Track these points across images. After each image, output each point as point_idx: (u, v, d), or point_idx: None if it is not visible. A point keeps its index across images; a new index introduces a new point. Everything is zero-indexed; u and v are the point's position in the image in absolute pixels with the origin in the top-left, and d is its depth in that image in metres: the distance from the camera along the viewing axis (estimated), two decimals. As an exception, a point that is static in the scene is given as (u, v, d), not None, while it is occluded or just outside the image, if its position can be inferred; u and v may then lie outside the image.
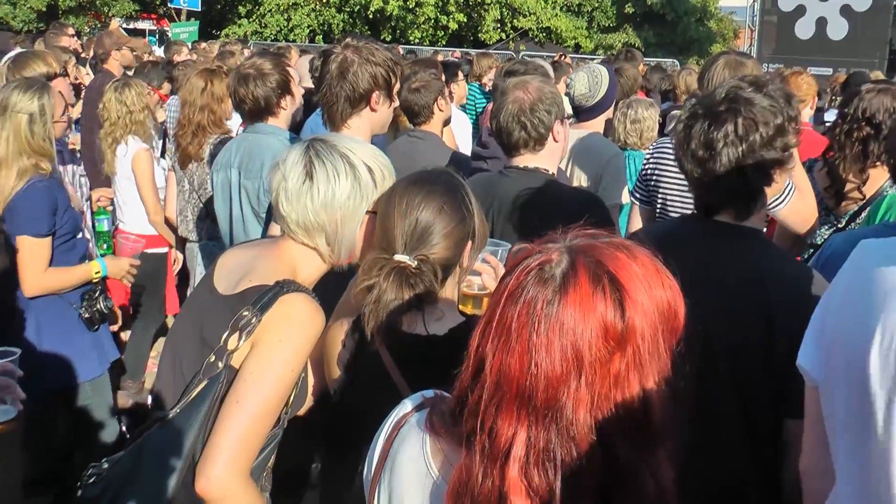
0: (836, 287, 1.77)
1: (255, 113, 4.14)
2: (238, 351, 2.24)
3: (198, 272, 5.55)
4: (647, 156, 4.35)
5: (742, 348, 2.32)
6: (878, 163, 3.79)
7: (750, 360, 2.31)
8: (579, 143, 4.57)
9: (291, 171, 2.36)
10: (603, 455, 1.27)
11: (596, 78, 4.82)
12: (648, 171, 4.22)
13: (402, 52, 14.64)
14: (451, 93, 6.32)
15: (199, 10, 29.02)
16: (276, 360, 2.22)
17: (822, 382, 1.75)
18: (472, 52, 18.94)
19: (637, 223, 4.28)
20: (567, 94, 4.87)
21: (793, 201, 3.45)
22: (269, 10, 35.75)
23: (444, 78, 5.85)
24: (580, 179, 4.51)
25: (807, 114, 5.71)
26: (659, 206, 4.15)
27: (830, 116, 7.27)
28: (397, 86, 3.54)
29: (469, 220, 2.27)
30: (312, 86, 5.76)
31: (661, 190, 4.14)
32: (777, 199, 3.39)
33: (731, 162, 2.39)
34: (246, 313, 2.24)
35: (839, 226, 4.03)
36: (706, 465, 2.28)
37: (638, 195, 4.30)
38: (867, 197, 3.88)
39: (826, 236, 3.85)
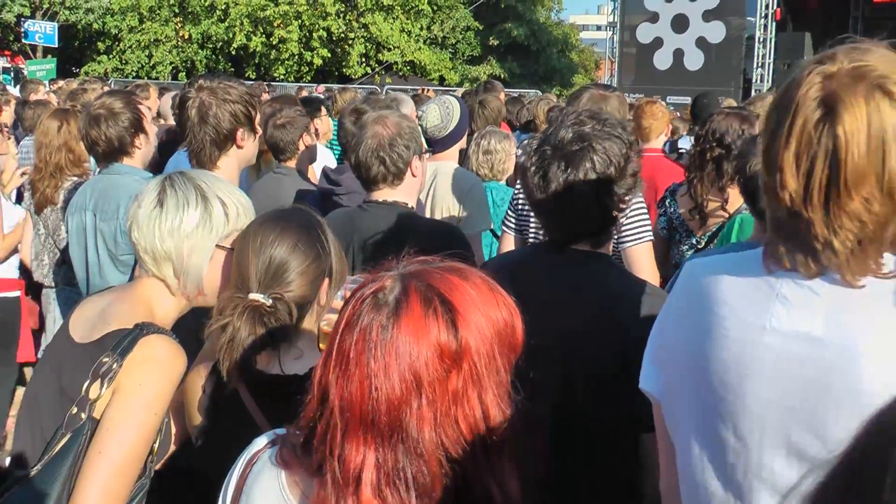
0: (669, 307, 1.87)
1: (109, 154, 4.08)
2: (100, 399, 2.16)
3: (55, 319, 5.38)
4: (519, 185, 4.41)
5: (600, 368, 2.40)
6: (732, 182, 4.01)
7: (608, 379, 2.39)
8: (439, 174, 4.64)
9: (145, 198, 2.37)
10: (451, 469, 1.33)
11: (447, 109, 4.86)
12: (521, 201, 4.28)
13: (266, 90, 14.53)
14: (315, 129, 6.34)
15: (56, 46, 28.27)
16: (137, 405, 2.16)
17: (664, 401, 1.84)
18: (335, 87, 18.98)
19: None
20: (420, 125, 4.91)
21: (643, 250, 3.64)
22: (130, 47, 35.17)
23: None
24: (441, 210, 4.57)
25: (661, 141, 5.95)
26: (531, 234, 4.22)
27: (685, 143, 7.57)
28: (258, 117, 3.57)
29: (325, 258, 2.31)
30: (174, 123, 5.70)
31: (532, 219, 4.21)
32: (630, 236, 3.57)
33: (591, 199, 2.49)
34: (106, 359, 2.17)
35: (699, 246, 4.23)
36: (571, 481, 2.35)
37: (508, 224, 4.37)
38: (730, 215, 4.08)
39: (688, 257, 4.03)
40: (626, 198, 2.56)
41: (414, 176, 3.49)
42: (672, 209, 4.49)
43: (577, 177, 2.47)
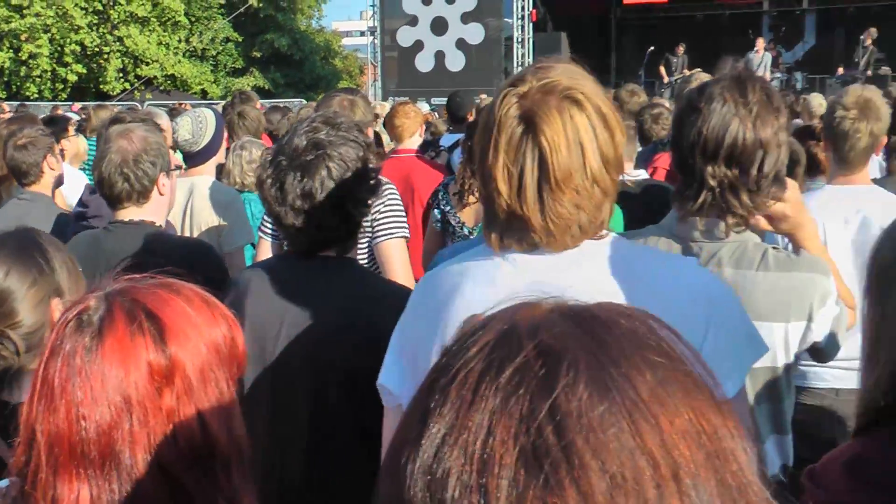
0: (411, 303, 1.97)
1: None
2: None
3: None
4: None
5: (353, 373, 2.40)
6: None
7: (362, 383, 2.40)
8: (195, 190, 4.54)
9: None
10: (173, 490, 1.28)
11: (200, 123, 4.75)
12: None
13: (7, 108, 13.76)
14: (62, 150, 6.08)
15: None
16: None
17: (406, 396, 1.90)
18: (91, 104, 18.23)
19: (264, 257, 4.32)
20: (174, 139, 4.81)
21: (394, 245, 3.72)
22: None
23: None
24: (200, 227, 4.48)
25: (415, 141, 6.08)
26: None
27: (446, 141, 7.78)
28: None
29: (50, 277, 2.19)
30: None
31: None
32: (382, 233, 3.64)
33: (332, 206, 2.49)
34: None
35: (472, 238, 4.36)
36: (329, 487, 2.37)
37: (265, 230, 4.33)
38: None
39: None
40: (369, 200, 2.60)
41: (161, 194, 3.37)
42: (444, 203, 4.59)
43: (314, 185, 2.47)
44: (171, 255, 3.08)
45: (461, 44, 22.98)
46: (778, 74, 21.18)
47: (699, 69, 18.04)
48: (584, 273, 1.74)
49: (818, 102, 9.86)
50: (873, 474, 1.54)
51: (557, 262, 1.75)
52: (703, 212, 2.34)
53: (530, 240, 1.73)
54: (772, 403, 2.43)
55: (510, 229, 1.75)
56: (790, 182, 2.45)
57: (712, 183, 2.29)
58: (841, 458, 1.59)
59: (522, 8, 22.65)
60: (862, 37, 19.95)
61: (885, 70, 19.35)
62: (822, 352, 2.45)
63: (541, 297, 0.80)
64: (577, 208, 1.70)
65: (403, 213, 3.85)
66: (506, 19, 23.35)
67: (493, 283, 1.76)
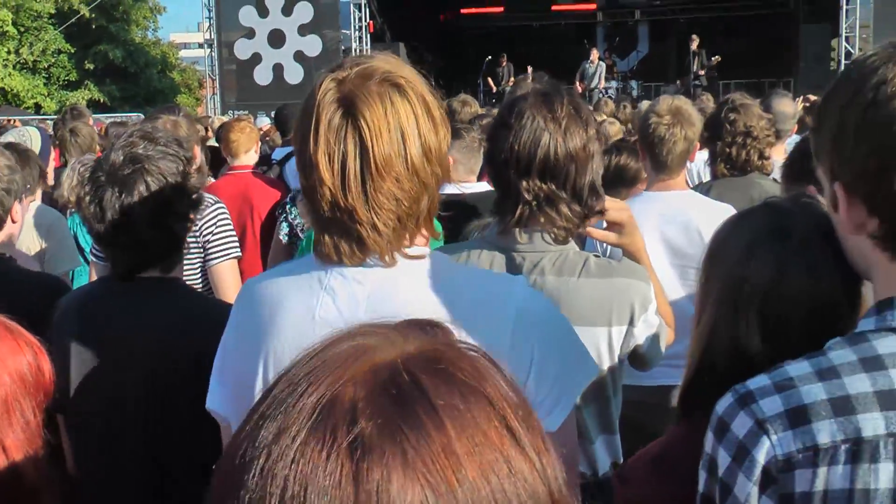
0: (230, 324, 1.91)
1: None
2: None
3: None
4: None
5: (180, 397, 2.37)
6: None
7: (190, 406, 2.36)
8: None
9: None
10: None
11: (24, 141, 4.63)
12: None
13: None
14: None
15: None
16: None
17: (233, 419, 1.87)
18: None
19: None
20: None
21: (227, 268, 3.71)
22: None
23: None
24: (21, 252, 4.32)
25: (251, 157, 6.02)
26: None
27: (278, 154, 7.75)
28: None
29: None
30: None
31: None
32: (215, 255, 3.60)
33: (152, 221, 2.45)
34: None
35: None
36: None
37: (97, 254, 4.22)
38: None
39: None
40: (190, 215, 2.57)
41: (14, 221, 3.19)
42: (293, 216, 4.58)
43: (133, 201, 2.43)
44: (18, 290, 2.89)
45: (299, 56, 22.83)
46: (613, 83, 21.91)
47: (523, 76, 18.64)
48: (404, 297, 1.70)
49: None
50: (676, 467, 1.62)
51: (381, 283, 1.71)
52: (521, 224, 2.40)
53: (356, 233, 1.66)
54: (599, 404, 2.52)
55: (335, 224, 1.68)
56: (617, 201, 2.57)
57: (528, 197, 2.36)
58: (648, 454, 1.67)
59: (360, 19, 22.67)
60: (690, 46, 20.89)
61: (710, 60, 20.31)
62: (644, 358, 2.55)
63: (363, 343, 0.82)
64: (395, 200, 1.65)
65: (234, 233, 3.83)
66: (343, 31, 23.31)
67: (315, 302, 1.73)
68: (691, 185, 5.29)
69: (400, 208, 1.66)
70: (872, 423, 1.30)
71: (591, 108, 12.49)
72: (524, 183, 2.35)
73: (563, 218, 2.37)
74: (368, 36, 22.87)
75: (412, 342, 0.82)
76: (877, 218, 1.40)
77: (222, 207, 3.90)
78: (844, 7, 19.77)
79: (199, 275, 3.76)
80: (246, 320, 1.85)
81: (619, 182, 4.36)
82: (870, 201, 1.39)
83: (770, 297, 1.64)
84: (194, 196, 2.57)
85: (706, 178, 5.67)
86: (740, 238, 1.73)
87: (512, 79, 20.44)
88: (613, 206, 2.54)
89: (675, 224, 3.83)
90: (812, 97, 11.61)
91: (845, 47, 19.89)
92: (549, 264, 2.42)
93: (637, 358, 2.53)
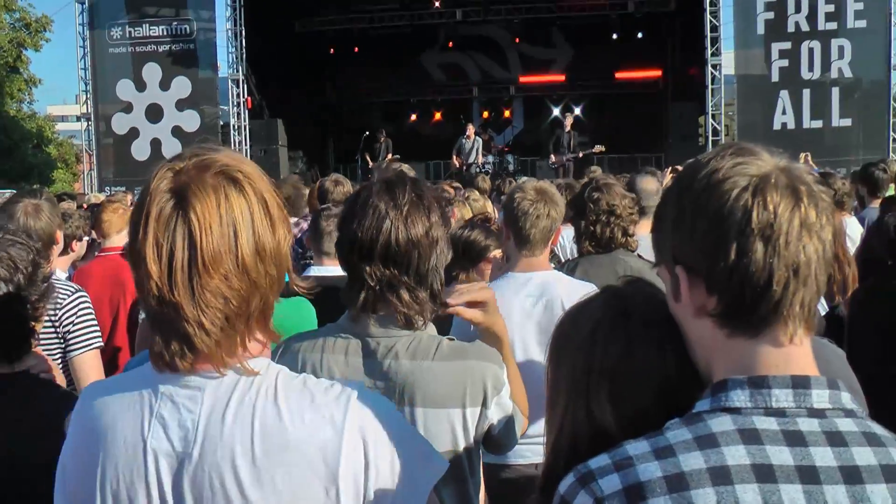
0: (66, 447, 1.81)
1: None
2: None
3: None
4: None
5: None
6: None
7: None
8: None
9: None
10: None
11: None
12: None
13: None
14: None
15: None
16: None
17: None
18: None
19: None
20: None
21: (89, 359, 3.66)
22: None
23: None
24: None
25: (122, 237, 5.88)
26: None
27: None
28: None
29: None
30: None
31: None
32: (76, 345, 3.54)
33: (1, 309, 2.42)
34: None
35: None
36: None
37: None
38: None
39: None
40: (39, 305, 2.54)
41: None
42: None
43: None
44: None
45: (177, 131, 22.62)
46: (490, 157, 22.25)
47: (398, 156, 18.92)
48: (229, 430, 1.64)
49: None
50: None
51: (211, 412, 1.65)
52: (367, 309, 2.46)
53: (182, 330, 1.58)
54: (457, 484, 2.54)
55: (164, 321, 1.60)
56: (480, 283, 2.63)
57: (371, 282, 2.42)
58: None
59: (238, 95, 22.62)
60: (564, 123, 21.45)
61: (593, 149, 20.87)
62: (498, 441, 2.60)
63: None
64: (223, 298, 1.59)
65: (96, 323, 3.77)
66: (222, 106, 23.25)
67: (146, 428, 1.66)
68: (562, 260, 5.43)
69: (228, 307, 1.60)
70: (704, 499, 1.35)
71: (461, 186, 12.67)
72: (367, 268, 2.41)
73: (404, 303, 2.42)
74: (247, 112, 22.81)
75: None
76: (715, 295, 1.47)
77: (84, 296, 3.83)
78: (710, 87, 20.61)
79: (61, 366, 3.67)
80: (81, 445, 1.76)
81: (464, 257, 4.43)
82: (709, 279, 1.46)
83: (619, 375, 1.67)
84: (44, 285, 2.53)
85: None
86: (583, 326, 1.76)
87: (389, 155, 20.63)
88: (475, 286, 2.62)
89: (540, 303, 3.92)
90: (680, 168, 12.03)
91: (712, 124, 20.70)
92: (403, 348, 2.46)
93: (491, 440, 2.58)
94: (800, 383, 1.45)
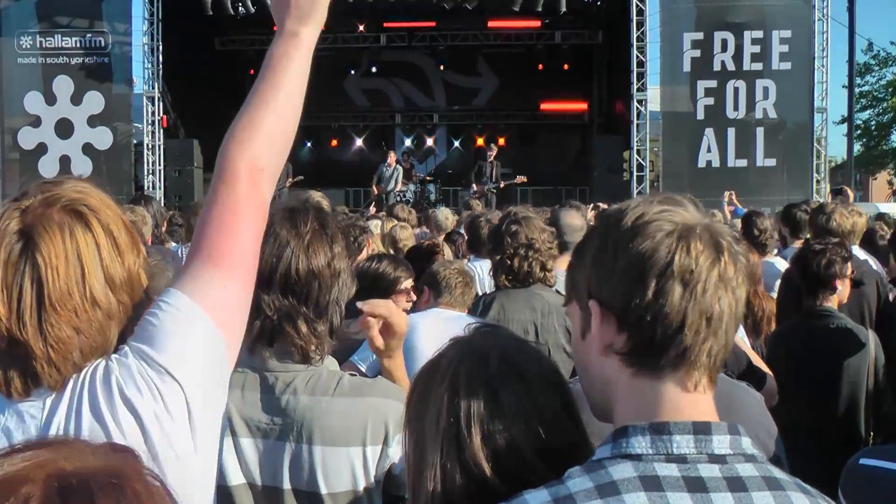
0: None
1: None
2: None
3: None
4: None
5: None
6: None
7: None
8: None
9: None
10: None
11: None
12: None
13: None
14: None
15: None
16: None
17: None
18: None
19: None
20: None
21: None
22: None
23: None
24: None
25: None
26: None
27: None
28: None
29: None
30: None
31: None
32: None
33: None
34: None
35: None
36: None
37: None
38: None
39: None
40: None
41: None
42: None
43: None
44: None
45: (88, 149, 22.19)
46: (411, 186, 22.31)
47: (300, 177, 18.97)
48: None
49: (444, 216, 10.47)
50: None
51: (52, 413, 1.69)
52: (263, 340, 2.42)
53: (32, 369, 1.66)
54: (359, 526, 2.50)
55: (13, 359, 1.67)
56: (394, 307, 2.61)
57: (269, 311, 2.38)
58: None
59: (153, 113, 22.31)
60: (487, 153, 21.57)
61: (514, 180, 21.08)
62: (401, 481, 2.53)
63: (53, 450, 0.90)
64: (76, 331, 1.67)
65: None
66: (136, 124, 22.91)
67: None
68: (479, 294, 5.44)
69: (82, 341, 1.68)
70: None
71: (385, 212, 12.71)
72: (265, 297, 2.37)
73: (301, 336, 2.38)
74: (162, 131, 22.52)
75: (99, 458, 0.89)
76: (626, 333, 1.50)
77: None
78: (635, 122, 20.92)
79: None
80: None
81: (373, 290, 4.43)
82: (622, 316, 1.49)
83: (490, 421, 1.66)
84: None
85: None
86: (440, 381, 1.74)
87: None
88: (394, 308, 2.61)
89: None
90: (602, 205, 12.15)
91: (637, 159, 21.03)
92: (302, 384, 2.42)
93: (393, 480, 2.54)
94: (700, 429, 1.47)
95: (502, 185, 20.79)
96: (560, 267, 5.54)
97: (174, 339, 1.72)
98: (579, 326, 1.60)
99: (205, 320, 1.75)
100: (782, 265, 6.59)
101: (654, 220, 1.50)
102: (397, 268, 4.59)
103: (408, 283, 4.56)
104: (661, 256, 1.47)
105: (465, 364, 1.74)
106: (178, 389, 1.70)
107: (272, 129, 1.86)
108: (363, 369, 3.42)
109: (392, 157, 21.63)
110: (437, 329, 4.00)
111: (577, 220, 6.16)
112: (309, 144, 28.31)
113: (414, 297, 4.67)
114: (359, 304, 2.53)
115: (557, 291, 4.88)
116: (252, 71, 27.56)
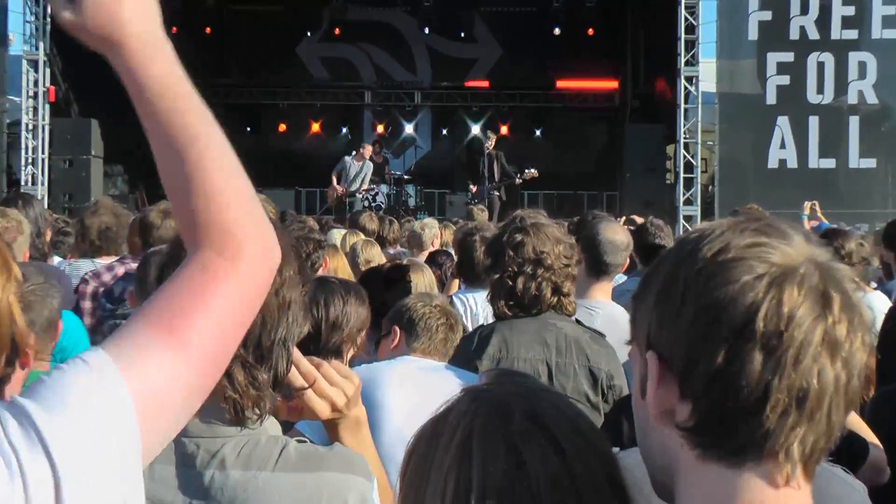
0: None
1: None
2: None
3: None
4: None
5: None
6: None
7: None
8: None
9: None
10: None
11: None
12: None
13: None
14: None
15: None
16: None
17: None
18: None
19: None
20: None
21: None
22: None
23: None
24: None
25: None
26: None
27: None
28: None
29: None
30: None
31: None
32: None
33: None
34: None
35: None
36: None
37: None
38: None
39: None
40: None
41: None
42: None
43: None
44: None
45: None
46: (384, 187, 22.05)
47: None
48: None
49: (424, 228, 10.32)
50: None
51: None
52: None
53: None
54: None
55: None
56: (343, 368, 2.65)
57: None
58: None
59: (35, 82, 22.14)
60: (484, 143, 21.52)
61: (524, 174, 21.05)
62: None
63: None
64: None
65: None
66: (11, 97, 22.86)
67: None
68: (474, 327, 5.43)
69: None
70: None
71: (348, 221, 12.52)
72: None
73: (236, 387, 2.34)
74: (48, 106, 22.29)
75: None
76: (690, 403, 1.46)
77: None
78: (682, 106, 20.76)
79: None
80: None
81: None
82: (685, 379, 1.46)
83: (512, 496, 1.65)
84: None
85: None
86: (447, 442, 1.74)
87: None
88: (340, 374, 2.62)
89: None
90: (638, 219, 11.89)
91: (684, 156, 20.87)
92: (232, 454, 2.39)
93: None
94: None
95: (517, 181, 20.72)
96: (596, 297, 5.49)
97: (67, 405, 1.67)
98: (638, 378, 1.59)
99: (123, 399, 1.69)
100: (883, 303, 6.55)
101: (742, 257, 1.47)
102: (366, 304, 4.46)
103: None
104: (739, 309, 1.43)
105: (481, 420, 1.72)
106: (48, 468, 1.63)
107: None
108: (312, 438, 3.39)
109: (367, 150, 21.63)
110: (412, 382, 3.99)
111: (622, 234, 6.08)
112: (249, 130, 28.23)
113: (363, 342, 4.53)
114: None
115: (578, 322, 4.82)
116: (175, 30, 27.58)
